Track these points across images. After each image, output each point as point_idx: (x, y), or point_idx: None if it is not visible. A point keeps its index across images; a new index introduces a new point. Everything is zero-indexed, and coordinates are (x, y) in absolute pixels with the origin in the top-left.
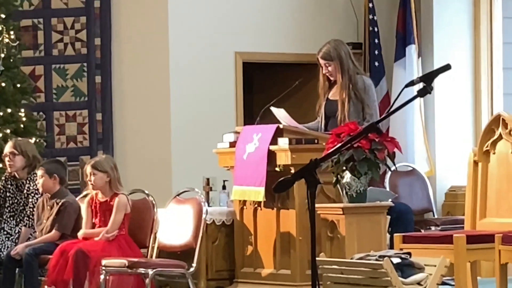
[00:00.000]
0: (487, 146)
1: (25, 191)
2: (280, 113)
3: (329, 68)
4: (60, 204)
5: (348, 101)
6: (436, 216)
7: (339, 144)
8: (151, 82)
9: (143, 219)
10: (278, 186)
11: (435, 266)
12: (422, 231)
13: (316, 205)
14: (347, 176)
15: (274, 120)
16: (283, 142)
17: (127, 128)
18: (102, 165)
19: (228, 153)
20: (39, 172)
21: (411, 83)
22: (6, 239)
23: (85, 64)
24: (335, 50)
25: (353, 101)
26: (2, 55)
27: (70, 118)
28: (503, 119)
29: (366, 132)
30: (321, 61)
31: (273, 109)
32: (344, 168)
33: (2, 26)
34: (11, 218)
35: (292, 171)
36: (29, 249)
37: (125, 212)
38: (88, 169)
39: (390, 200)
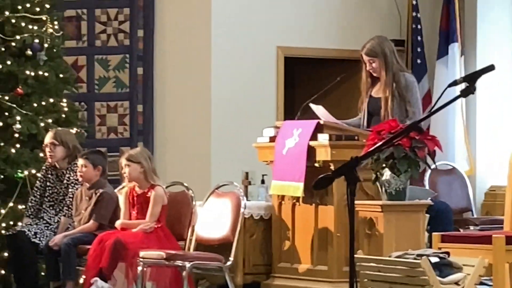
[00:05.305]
0: None
1: (65, 181)
2: (318, 110)
3: (373, 65)
4: (98, 194)
5: (392, 99)
6: (475, 216)
7: (381, 142)
8: (193, 75)
9: (182, 211)
10: (318, 183)
11: (473, 266)
12: (461, 230)
13: (355, 202)
14: (387, 174)
15: (314, 115)
16: (323, 138)
17: (167, 120)
18: (135, 156)
19: (268, 148)
20: (82, 161)
21: (454, 83)
22: (46, 228)
23: (127, 55)
24: (379, 46)
25: (396, 98)
26: (46, 45)
27: (111, 109)
28: None
29: (408, 131)
30: (365, 58)
31: (312, 105)
32: (384, 165)
33: (46, 16)
34: (51, 208)
35: (332, 167)
36: (67, 239)
37: (162, 204)
38: (122, 161)
39: (429, 198)
